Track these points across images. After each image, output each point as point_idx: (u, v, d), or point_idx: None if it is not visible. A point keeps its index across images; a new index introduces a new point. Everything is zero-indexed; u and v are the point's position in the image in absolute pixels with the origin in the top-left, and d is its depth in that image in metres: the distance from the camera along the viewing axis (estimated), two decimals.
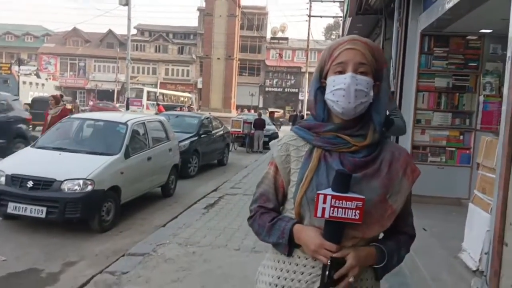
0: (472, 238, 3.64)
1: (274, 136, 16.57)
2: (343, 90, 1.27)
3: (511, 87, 2.63)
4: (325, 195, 1.21)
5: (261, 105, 48.08)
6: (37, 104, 18.60)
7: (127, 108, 22.39)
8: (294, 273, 1.33)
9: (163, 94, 35.79)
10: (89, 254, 4.77)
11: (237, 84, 48.58)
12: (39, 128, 12.03)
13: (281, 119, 33.40)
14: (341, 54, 1.30)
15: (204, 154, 10.94)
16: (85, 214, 5.32)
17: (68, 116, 7.93)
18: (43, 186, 5.24)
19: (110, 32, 53.59)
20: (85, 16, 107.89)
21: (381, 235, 1.42)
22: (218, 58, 46.59)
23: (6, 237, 5.20)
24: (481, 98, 5.88)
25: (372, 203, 1.25)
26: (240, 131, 16.76)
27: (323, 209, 1.21)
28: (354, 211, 1.21)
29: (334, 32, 56.55)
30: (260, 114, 17.95)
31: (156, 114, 17.53)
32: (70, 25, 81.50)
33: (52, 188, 5.23)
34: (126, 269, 4.09)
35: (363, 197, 1.21)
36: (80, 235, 5.35)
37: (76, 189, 5.25)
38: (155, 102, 30.65)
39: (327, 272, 1.23)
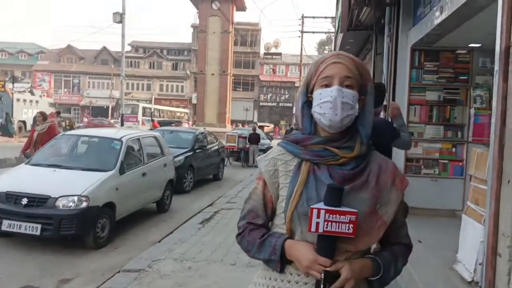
0: (466, 249, 3.67)
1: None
2: (330, 103, 1.28)
3: (499, 100, 2.70)
4: (319, 210, 1.20)
5: (256, 120, 48.24)
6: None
7: (122, 124, 22.39)
8: None
9: (159, 110, 35.90)
10: (84, 270, 4.74)
11: (232, 99, 48.83)
12: None
13: (271, 134, 33.52)
14: (327, 68, 1.32)
15: (199, 169, 10.94)
16: (80, 231, 5.29)
17: (62, 134, 7.92)
18: (38, 203, 5.22)
19: (104, 49, 53.87)
20: (79, 33, 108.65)
21: (378, 247, 1.41)
22: (213, 74, 46.90)
23: (0, 255, 5.15)
24: (472, 111, 5.98)
25: (362, 215, 1.24)
26: (235, 146, 16.80)
27: (317, 223, 1.20)
28: (347, 225, 1.20)
29: (326, 47, 57.12)
30: (254, 129, 18.03)
31: (151, 129, 17.54)
32: (64, 42, 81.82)
33: (47, 205, 5.20)
34: (121, 286, 4.07)
35: (356, 210, 1.20)
36: (75, 251, 5.31)
37: (71, 206, 5.23)
38: (150, 118, 30.74)
39: (322, 287, 1.22)
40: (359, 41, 10.08)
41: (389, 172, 1.35)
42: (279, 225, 1.36)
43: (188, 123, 34.60)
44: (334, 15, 20.62)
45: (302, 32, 33.87)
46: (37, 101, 30.03)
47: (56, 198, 5.21)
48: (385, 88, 4.69)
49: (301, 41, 34.22)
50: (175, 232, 6.11)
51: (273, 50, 53.31)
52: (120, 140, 6.68)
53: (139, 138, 7.26)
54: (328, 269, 1.22)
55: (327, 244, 1.23)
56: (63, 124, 17.49)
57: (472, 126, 5.99)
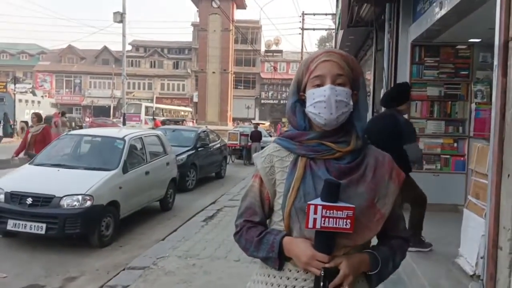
0: (468, 243, 3.70)
1: None
2: (324, 102, 1.27)
3: (499, 94, 2.72)
4: (316, 206, 1.19)
5: (257, 118, 48.25)
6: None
7: (124, 124, 22.46)
8: (286, 287, 1.31)
9: (162, 109, 35.93)
10: (89, 269, 4.78)
11: (233, 97, 48.80)
12: None
13: (267, 131, 33.53)
14: (318, 67, 1.31)
15: (202, 167, 10.98)
16: (84, 230, 5.34)
17: (65, 133, 7.94)
18: (42, 202, 5.27)
19: (105, 48, 53.90)
20: (80, 33, 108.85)
21: (375, 242, 1.41)
22: (213, 72, 46.87)
23: (6, 254, 5.21)
24: (473, 106, 5.98)
25: (360, 209, 1.24)
26: (237, 144, 16.81)
27: (314, 219, 1.19)
28: (345, 220, 1.19)
29: (327, 44, 57.02)
30: (256, 126, 18.04)
31: (153, 128, 17.61)
32: (65, 42, 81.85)
33: (52, 204, 5.25)
34: (127, 283, 4.11)
35: (353, 206, 1.20)
36: (80, 250, 5.36)
37: (75, 205, 5.28)
38: (152, 117, 30.82)
39: (321, 284, 1.21)
40: (360, 38, 10.09)
41: (386, 165, 1.35)
42: (277, 222, 1.36)
43: (193, 121, 34.64)
44: (334, 12, 20.59)
45: (302, 29, 33.78)
46: (39, 102, 30.16)
47: (61, 198, 5.26)
48: (409, 86, 4.73)
49: (302, 38, 34.15)
50: (179, 230, 6.15)
51: (274, 47, 53.30)
52: (123, 139, 6.73)
53: (141, 137, 7.30)
54: (327, 265, 1.21)
55: (325, 240, 1.23)
56: (68, 124, 17.56)
57: (473, 121, 5.99)
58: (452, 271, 3.80)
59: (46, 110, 29.01)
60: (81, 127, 22.22)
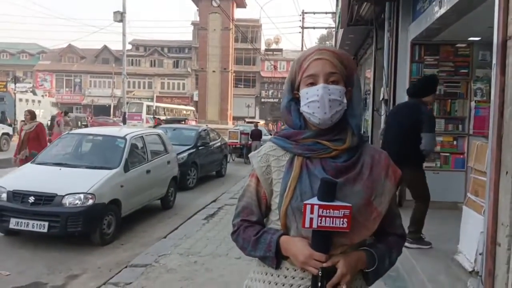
0: (467, 240, 3.73)
1: None
2: (317, 102, 1.27)
3: (497, 93, 2.75)
4: (312, 205, 1.19)
5: (257, 116, 48.25)
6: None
7: (124, 123, 22.49)
8: (283, 285, 1.31)
9: (164, 108, 35.86)
10: (91, 266, 4.82)
11: (233, 96, 48.78)
12: None
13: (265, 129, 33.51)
14: (310, 66, 1.30)
15: (202, 166, 11.01)
16: (86, 228, 5.38)
17: (67, 133, 7.96)
18: (45, 201, 5.30)
19: (105, 48, 53.88)
20: (80, 33, 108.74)
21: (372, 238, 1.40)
22: (214, 71, 46.85)
23: (8, 252, 5.24)
24: (473, 104, 6.01)
25: (357, 207, 1.23)
26: (237, 142, 16.85)
27: (311, 219, 1.18)
28: (341, 219, 1.19)
29: (327, 43, 56.91)
30: (256, 125, 18.07)
31: (154, 127, 17.65)
32: (65, 42, 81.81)
33: (54, 203, 5.28)
34: (129, 280, 4.15)
35: (350, 205, 1.19)
36: (82, 248, 5.39)
37: (77, 203, 5.31)
38: (152, 116, 30.84)
39: (319, 284, 1.21)
40: (360, 36, 10.11)
41: (382, 163, 1.35)
42: (274, 220, 1.36)
43: (196, 120, 34.60)
44: (334, 11, 20.60)
45: (302, 28, 33.75)
46: (39, 101, 30.23)
47: (63, 196, 5.30)
48: (437, 79, 4.78)
49: (302, 37, 34.11)
50: (180, 227, 6.19)
51: (274, 46, 53.28)
52: (124, 138, 6.76)
53: (142, 136, 7.33)
54: (324, 265, 1.21)
55: (322, 239, 1.23)
56: (71, 123, 17.60)
57: (472, 119, 6.01)
58: (451, 267, 3.83)
59: (47, 109, 29.10)
60: (86, 126, 22.70)
